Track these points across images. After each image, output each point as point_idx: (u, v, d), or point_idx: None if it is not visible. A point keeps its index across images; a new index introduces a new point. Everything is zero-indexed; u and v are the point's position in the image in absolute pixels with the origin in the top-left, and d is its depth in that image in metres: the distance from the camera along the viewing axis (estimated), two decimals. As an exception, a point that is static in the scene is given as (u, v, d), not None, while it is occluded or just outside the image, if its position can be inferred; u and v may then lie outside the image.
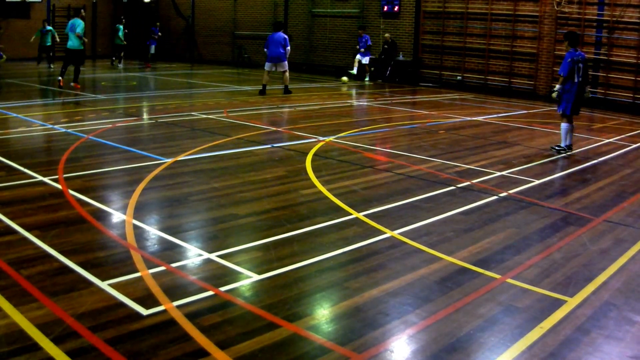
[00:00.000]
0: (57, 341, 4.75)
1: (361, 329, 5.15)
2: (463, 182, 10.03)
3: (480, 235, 7.59)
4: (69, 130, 13.46)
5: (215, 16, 32.79)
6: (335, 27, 30.30)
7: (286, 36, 21.67)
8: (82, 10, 22.06)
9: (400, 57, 27.14)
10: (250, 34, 33.26)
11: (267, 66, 21.74)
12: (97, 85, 23.90)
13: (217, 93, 22.34)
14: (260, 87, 21.88)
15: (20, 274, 5.97)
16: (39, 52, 29.98)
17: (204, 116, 16.10)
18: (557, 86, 12.71)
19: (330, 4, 30.34)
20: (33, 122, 14.53)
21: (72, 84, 21.45)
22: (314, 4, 30.90)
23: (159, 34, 32.09)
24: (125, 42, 30.93)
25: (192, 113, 16.49)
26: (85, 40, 21.76)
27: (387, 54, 27.08)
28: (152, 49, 30.47)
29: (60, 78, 21.30)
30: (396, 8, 27.61)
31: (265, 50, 21.86)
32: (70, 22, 20.81)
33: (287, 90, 21.91)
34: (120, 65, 30.59)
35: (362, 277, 6.21)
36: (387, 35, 27.05)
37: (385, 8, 27.94)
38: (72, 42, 20.57)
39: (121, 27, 30.94)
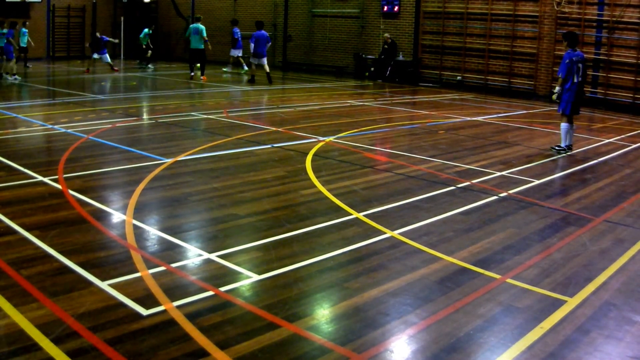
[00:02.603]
0: (57, 341, 4.75)
1: (361, 329, 5.16)
2: (463, 182, 10.03)
3: (480, 236, 7.60)
4: (68, 130, 13.46)
5: (215, 16, 32.80)
6: (335, 27, 30.29)
7: (267, 34, 25.52)
8: (201, 16, 27.04)
9: (400, 57, 27.14)
10: (250, 34, 33.24)
11: (255, 60, 25.14)
12: (97, 85, 23.89)
13: (216, 93, 22.35)
14: (250, 77, 25.47)
15: (20, 274, 5.97)
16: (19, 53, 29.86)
17: (204, 116, 16.10)
18: (557, 88, 12.72)
19: (330, 4, 30.34)
20: (33, 122, 14.53)
21: (201, 77, 25.33)
22: (313, 4, 30.90)
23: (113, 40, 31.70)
24: (145, 45, 31.03)
25: (192, 113, 16.49)
26: (207, 40, 25.57)
27: (387, 54, 27.09)
28: (106, 58, 29.98)
29: (192, 74, 25.81)
30: (396, 8, 27.60)
31: (252, 45, 24.94)
32: (194, 26, 25.47)
33: (271, 79, 25.10)
34: (150, 67, 30.52)
35: (362, 277, 6.22)
36: (386, 35, 27.06)
37: (385, 8, 27.94)
38: (197, 44, 25.26)
39: (147, 30, 30.93)
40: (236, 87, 23.69)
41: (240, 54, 29.23)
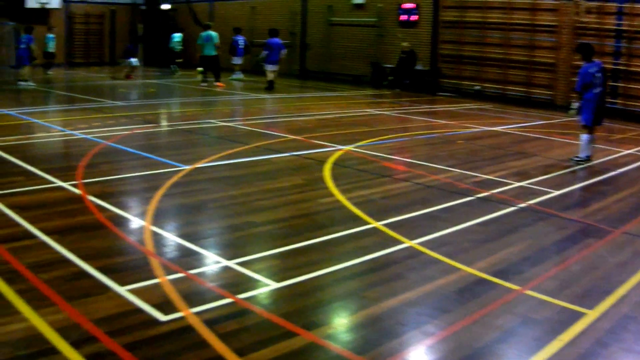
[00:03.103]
0: (75, 345, 4.76)
1: (378, 339, 5.13)
2: (481, 193, 9.99)
3: (498, 246, 7.56)
4: (87, 136, 13.52)
5: (233, 24, 32.80)
6: (353, 36, 30.25)
7: (281, 42, 25.80)
8: (210, 24, 27.40)
9: (419, 67, 27.09)
10: (264, 43, 33.33)
11: (271, 67, 25.40)
12: (115, 92, 24.02)
13: (235, 101, 22.41)
14: (267, 85, 25.41)
15: (39, 277, 6.00)
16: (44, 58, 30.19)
17: (222, 124, 16.14)
18: (575, 104, 12.67)
19: (348, 12, 30.29)
20: (52, 128, 14.62)
21: (215, 84, 25.82)
22: (331, 13, 30.89)
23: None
24: (178, 50, 31.39)
25: (210, 120, 16.53)
26: (219, 47, 26.10)
27: (405, 63, 27.03)
28: (134, 61, 30.01)
29: (204, 82, 26.24)
30: (414, 17, 27.55)
31: (265, 52, 25.28)
32: (205, 34, 25.87)
33: (271, 86, 25.42)
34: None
35: (379, 287, 6.19)
36: (405, 44, 26.99)
37: (403, 17, 27.90)
38: (210, 51, 25.73)
39: (176, 35, 31.10)
40: (254, 95, 23.73)
41: (240, 62, 29.54)
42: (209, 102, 21.77)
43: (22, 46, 24.35)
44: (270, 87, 25.23)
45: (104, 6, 37.75)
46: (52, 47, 28.64)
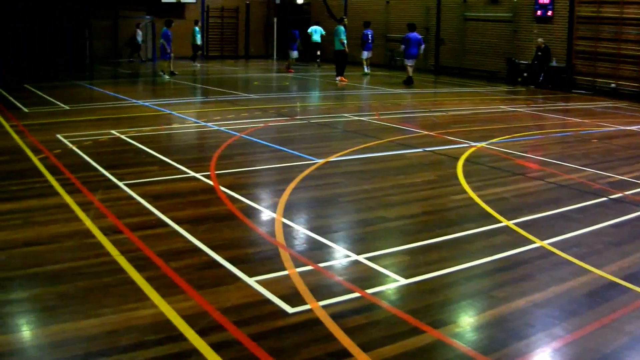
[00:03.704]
0: (201, 333, 4.80)
1: (505, 339, 4.98)
2: (615, 194, 9.54)
3: (631, 249, 7.18)
4: (221, 128, 13.75)
5: (367, 19, 32.76)
6: (488, 31, 29.65)
7: (420, 37, 25.37)
8: (345, 18, 27.54)
9: (554, 63, 26.31)
10: (402, 38, 33.18)
11: (410, 62, 25.06)
12: (249, 85, 24.42)
13: (368, 95, 22.37)
14: (406, 79, 25.01)
15: (169, 265, 6.09)
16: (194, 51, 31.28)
17: (356, 118, 16.11)
18: None
19: (482, 7, 29.72)
20: (187, 119, 14.95)
21: (336, 79, 25.55)
22: (466, 8, 30.40)
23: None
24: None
25: (344, 114, 16.53)
26: (344, 43, 25.62)
27: (540, 59, 26.30)
28: (294, 54, 30.35)
29: (338, 77, 25.71)
30: (549, 12, 26.75)
31: (403, 47, 25.10)
32: (336, 28, 25.94)
33: (410, 82, 24.91)
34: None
35: (508, 287, 6.01)
36: (540, 40, 26.21)
37: (539, 12, 27.13)
38: (336, 45, 25.65)
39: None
40: (388, 90, 23.61)
41: (369, 55, 29.02)
42: (343, 95, 21.80)
43: (162, 40, 25.28)
44: (408, 82, 24.83)
45: (239, 0, 38.44)
46: (199, 39, 29.74)
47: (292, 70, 28.98)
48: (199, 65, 31.02)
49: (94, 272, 5.97)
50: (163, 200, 8.24)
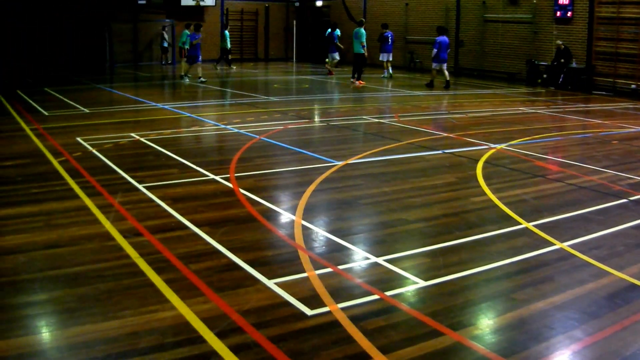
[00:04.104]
0: (221, 335, 4.81)
1: (525, 342, 4.96)
2: (636, 195, 9.45)
3: (654, 252, 7.13)
4: (241, 130, 13.78)
5: (386, 21, 32.70)
6: (507, 32, 29.53)
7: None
8: (363, 20, 27.13)
9: (574, 64, 26.15)
10: (422, 39, 33.03)
11: (436, 65, 24.86)
12: (269, 87, 24.45)
13: (388, 98, 22.33)
14: (444, 84, 24.76)
15: (189, 268, 6.11)
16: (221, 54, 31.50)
17: (375, 120, 16.09)
18: None
19: (502, 9, 29.59)
20: (206, 122, 14.99)
21: (356, 82, 25.20)
22: (485, 9, 30.29)
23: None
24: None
25: (364, 117, 16.52)
26: (364, 46, 25.36)
27: (560, 60, 26.16)
28: (336, 56, 30.02)
29: (352, 79, 25.62)
30: (569, 13, 26.60)
31: (435, 50, 24.54)
32: (355, 30, 25.59)
33: (449, 84, 24.93)
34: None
35: (528, 289, 5.98)
36: (558, 42, 26.09)
37: (558, 13, 26.98)
38: (356, 48, 25.35)
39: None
40: (407, 92, 23.56)
41: (389, 58, 28.68)
42: (362, 98, 21.76)
43: (186, 44, 25.53)
44: (446, 86, 24.70)
45: (258, 3, 38.53)
46: (229, 43, 30.26)
47: (333, 73, 28.92)
48: (219, 68, 31.11)
49: (114, 275, 6.00)
50: (183, 203, 8.27)
